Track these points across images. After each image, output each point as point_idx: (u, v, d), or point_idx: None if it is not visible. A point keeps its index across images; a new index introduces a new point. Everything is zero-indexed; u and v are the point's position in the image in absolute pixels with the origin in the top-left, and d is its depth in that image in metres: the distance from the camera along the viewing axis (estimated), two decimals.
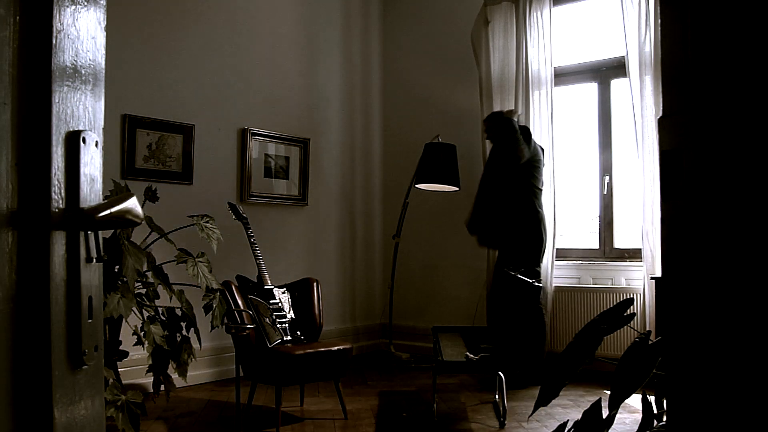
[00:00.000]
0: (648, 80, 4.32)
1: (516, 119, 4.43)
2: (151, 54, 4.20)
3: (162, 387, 2.78)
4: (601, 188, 4.84)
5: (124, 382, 2.67)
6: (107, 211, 0.79)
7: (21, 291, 0.69)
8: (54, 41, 0.74)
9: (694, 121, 0.87)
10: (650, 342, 1.36)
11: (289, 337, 3.38)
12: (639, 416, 1.83)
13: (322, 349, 3.37)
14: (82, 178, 0.78)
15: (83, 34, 0.81)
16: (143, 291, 2.82)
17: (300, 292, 3.72)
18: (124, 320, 2.61)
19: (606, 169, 4.84)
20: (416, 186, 4.66)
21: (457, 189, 4.67)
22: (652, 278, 4.15)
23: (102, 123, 0.86)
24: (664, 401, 1.56)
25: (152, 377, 2.75)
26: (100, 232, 0.83)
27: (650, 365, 1.31)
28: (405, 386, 3.87)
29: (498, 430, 3.28)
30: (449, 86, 5.53)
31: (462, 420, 3.47)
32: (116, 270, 2.60)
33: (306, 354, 3.30)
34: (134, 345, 2.74)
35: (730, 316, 0.84)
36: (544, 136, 4.78)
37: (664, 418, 1.55)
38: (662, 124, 0.92)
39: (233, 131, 4.71)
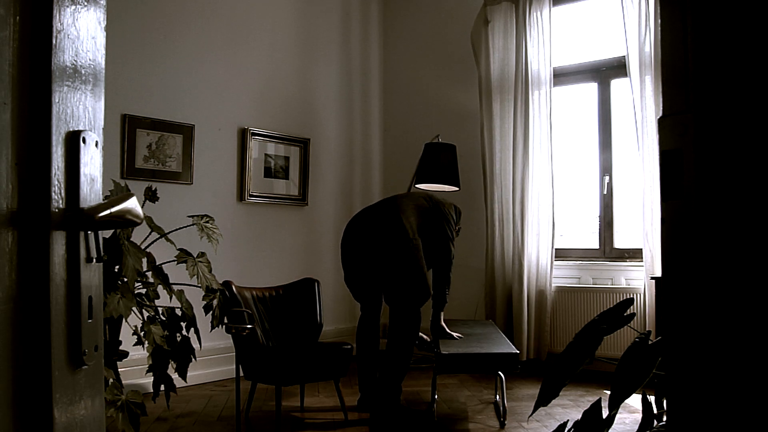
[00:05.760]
0: (648, 80, 4.33)
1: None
2: (151, 54, 4.20)
3: (162, 387, 2.77)
4: (601, 188, 4.85)
5: (124, 382, 2.66)
6: (107, 211, 0.79)
7: (21, 291, 0.69)
8: (54, 41, 0.74)
9: (694, 121, 0.87)
10: (650, 342, 1.36)
11: None
12: (639, 416, 1.83)
13: (323, 349, 3.37)
14: (82, 178, 0.78)
15: (83, 34, 0.81)
16: (143, 291, 2.82)
17: (300, 292, 3.72)
18: (124, 320, 2.61)
19: (606, 169, 4.85)
20: (416, 186, 4.66)
21: (457, 189, 4.67)
22: (652, 278, 4.15)
23: (102, 123, 0.86)
24: (664, 401, 1.56)
25: (152, 377, 2.74)
26: (100, 232, 0.83)
27: (650, 365, 1.31)
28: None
29: (498, 430, 3.28)
30: (449, 86, 5.53)
31: (462, 420, 3.47)
32: (116, 270, 2.59)
33: (306, 354, 3.30)
34: (134, 345, 2.74)
35: (730, 316, 0.84)
36: (543, 136, 4.78)
37: (664, 418, 1.55)
38: (662, 124, 0.92)
39: (233, 131, 4.71)
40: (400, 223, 3.48)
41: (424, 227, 3.60)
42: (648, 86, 4.33)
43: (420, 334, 3.70)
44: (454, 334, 3.68)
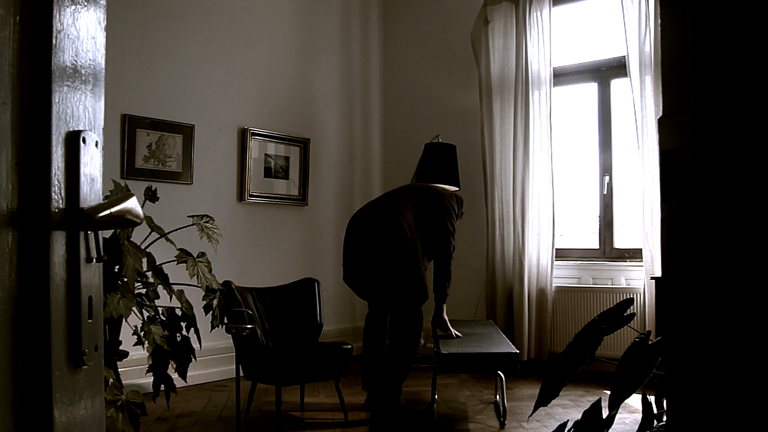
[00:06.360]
0: (648, 80, 4.32)
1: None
2: (151, 54, 4.20)
3: (162, 387, 2.77)
4: (601, 188, 4.84)
5: (124, 382, 2.66)
6: (107, 211, 0.79)
7: (21, 291, 0.69)
8: (54, 41, 0.74)
9: (694, 121, 0.87)
10: (650, 342, 1.36)
11: None
12: (639, 416, 1.83)
13: (322, 349, 3.37)
14: (82, 178, 0.78)
15: (83, 34, 0.81)
16: (143, 291, 2.81)
17: (300, 292, 3.72)
18: (124, 320, 2.61)
19: (606, 169, 4.85)
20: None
21: (458, 189, 4.67)
22: (652, 278, 4.15)
23: (102, 123, 0.86)
24: (664, 401, 1.56)
25: (152, 377, 2.74)
26: (100, 232, 0.83)
27: (650, 365, 1.31)
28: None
29: (498, 430, 3.28)
30: (449, 86, 5.53)
31: (462, 420, 3.47)
32: (116, 270, 2.59)
33: (306, 354, 3.30)
34: (134, 345, 2.74)
35: (730, 316, 0.84)
36: (543, 136, 4.78)
37: (664, 418, 1.55)
38: (662, 124, 0.92)
39: (233, 131, 4.70)
40: (398, 226, 3.48)
41: (422, 223, 3.59)
42: (648, 86, 4.33)
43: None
44: (454, 331, 3.68)
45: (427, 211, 3.64)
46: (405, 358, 3.48)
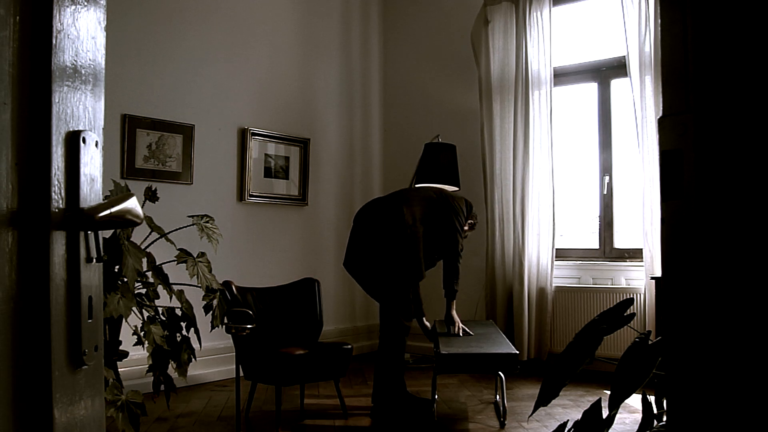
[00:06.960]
0: (648, 80, 4.32)
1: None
2: (151, 54, 4.20)
3: (162, 387, 2.77)
4: (601, 188, 4.84)
5: (124, 382, 2.66)
6: (107, 211, 0.79)
7: (21, 291, 0.69)
8: (54, 41, 0.74)
9: (694, 121, 0.87)
10: (650, 342, 1.36)
11: None
12: (639, 416, 1.83)
13: (323, 349, 3.37)
14: (82, 178, 0.78)
15: (83, 34, 0.81)
16: (143, 291, 2.81)
17: (301, 291, 3.72)
18: (124, 320, 2.61)
19: (606, 169, 4.85)
20: (416, 186, 4.66)
21: (457, 189, 4.67)
22: (652, 278, 4.15)
23: (102, 123, 0.86)
24: (664, 401, 1.56)
25: (152, 377, 2.74)
26: (100, 232, 0.83)
27: (650, 365, 1.31)
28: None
29: (498, 430, 3.28)
30: (449, 86, 5.53)
31: (462, 420, 3.47)
32: (116, 270, 2.59)
33: (306, 354, 3.30)
34: (134, 345, 2.74)
35: (730, 316, 0.84)
36: (543, 136, 4.78)
37: (664, 418, 1.55)
38: (662, 124, 0.92)
39: (233, 131, 4.70)
40: (401, 213, 3.54)
41: (429, 218, 3.65)
42: (648, 86, 4.33)
43: (425, 322, 3.78)
44: (460, 327, 3.72)
45: (435, 207, 3.70)
46: (395, 350, 3.52)
